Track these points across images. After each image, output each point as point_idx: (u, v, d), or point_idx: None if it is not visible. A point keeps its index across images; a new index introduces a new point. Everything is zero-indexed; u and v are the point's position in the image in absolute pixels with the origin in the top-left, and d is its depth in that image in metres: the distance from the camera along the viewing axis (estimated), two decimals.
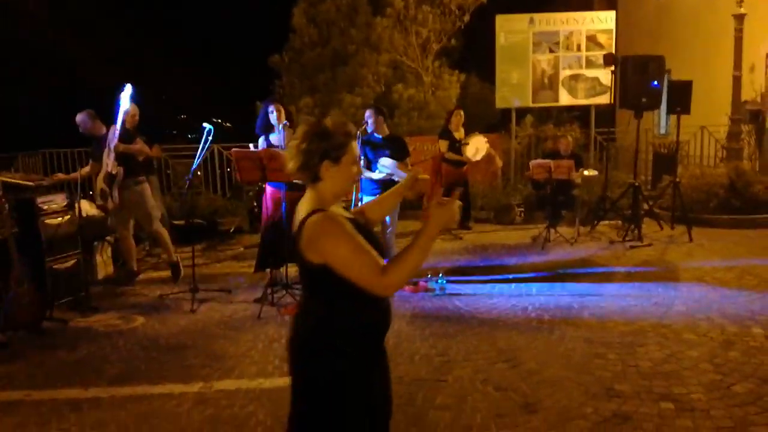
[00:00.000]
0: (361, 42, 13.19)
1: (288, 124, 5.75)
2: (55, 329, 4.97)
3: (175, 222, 8.18)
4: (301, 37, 13.73)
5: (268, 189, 5.82)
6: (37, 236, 5.33)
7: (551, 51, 10.69)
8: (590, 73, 10.75)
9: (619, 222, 8.45)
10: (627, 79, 7.73)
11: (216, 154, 10.65)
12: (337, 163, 2.08)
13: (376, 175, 5.68)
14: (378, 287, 1.98)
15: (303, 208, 2.08)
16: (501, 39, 10.66)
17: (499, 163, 9.23)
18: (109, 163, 5.75)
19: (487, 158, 8.30)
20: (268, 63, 14.24)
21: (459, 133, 8.48)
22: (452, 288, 5.83)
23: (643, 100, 7.66)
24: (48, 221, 5.46)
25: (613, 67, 8.13)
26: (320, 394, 2.06)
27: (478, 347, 4.39)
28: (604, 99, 10.73)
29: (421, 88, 12.52)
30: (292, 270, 5.91)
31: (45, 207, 5.48)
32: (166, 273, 6.58)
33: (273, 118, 5.66)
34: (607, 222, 8.45)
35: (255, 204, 8.83)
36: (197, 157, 5.66)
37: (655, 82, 7.60)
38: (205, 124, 5.69)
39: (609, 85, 10.57)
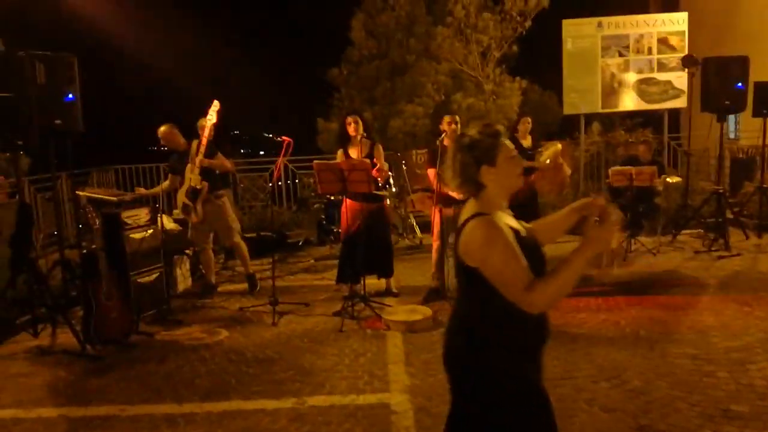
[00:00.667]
0: (419, 52, 13.16)
1: (365, 135, 5.70)
2: (142, 342, 5.02)
3: (246, 235, 8.23)
4: (359, 49, 13.80)
5: (347, 201, 5.77)
6: (122, 250, 5.43)
7: (621, 55, 10.36)
8: (662, 76, 10.35)
9: (701, 231, 8.08)
10: (709, 81, 7.40)
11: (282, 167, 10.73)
12: (494, 165, 2.06)
13: (453, 191, 5.52)
14: (523, 303, 1.93)
15: (467, 210, 2.09)
16: (568, 44, 10.39)
17: (568, 171, 8.94)
18: (193, 177, 5.82)
19: (555, 167, 8.05)
20: (327, 77, 14.39)
21: (527, 141, 8.23)
22: None
23: (726, 102, 7.31)
24: (132, 236, 5.56)
25: (694, 69, 7.79)
26: (480, 392, 2.07)
27: (576, 364, 4.20)
28: (680, 102, 10.31)
29: (481, 97, 12.35)
30: (370, 283, 5.86)
31: (129, 222, 5.58)
32: (243, 286, 6.61)
33: (350, 129, 5.61)
34: (688, 231, 8.08)
35: (323, 216, 8.83)
36: (276, 169, 5.66)
37: (740, 84, 7.25)
38: (284, 138, 5.70)
39: (682, 88, 10.23)
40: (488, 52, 12.59)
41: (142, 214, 5.74)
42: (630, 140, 10.53)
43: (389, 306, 5.57)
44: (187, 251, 6.68)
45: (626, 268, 6.75)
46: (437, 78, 12.44)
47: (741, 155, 10.43)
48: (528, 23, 12.25)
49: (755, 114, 7.49)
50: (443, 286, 5.85)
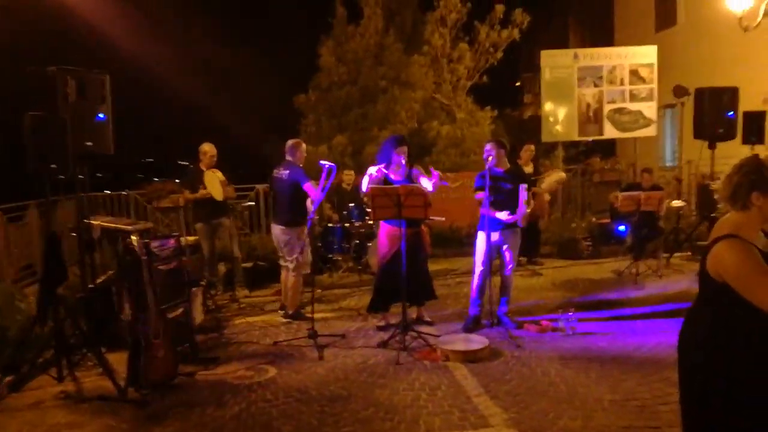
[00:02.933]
0: (391, 79, 13.18)
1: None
2: (185, 384, 4.58)
3: (243, 265, 7.84)
4: (329, 75, 13.66)
5: (385, 226, 5.58)
6: (155, 284, 4.98)
7: (596, 85, 10.78)
8: (633, 106, 10.82)
9: (690, 254, 8.44)
10: (703, 110, 7.79)
11: (262, 193, 10.36)
12: (766, 195, 2.24)
13: (502, 215, 5.46)
14: None
15: (722, 228, 2.29)
16: (546, 74, 10.71)
17: (547, 197, 9.14)
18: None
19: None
20: (294, 103, 14.13)
21: (529, 168, 8.40)
22: (578, 327, 5.61)
23: (720, 130, 7.72)
24: (160, 267, 5.12)
25: (684, 99, 8.19)
26: (716, 398, 2.27)
27: (663, 390, 4.17)
28: (650, 131, 10.83)
29: (455, 125, 12.48)
30: (395, 312, 5.67)
31: (158, 252, 5.15)
32: (261, 318, 6.28)
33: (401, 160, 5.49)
34: (678, 254, 8.39)
35: (320, 244, 8.55)
36: (320, 194, 5.44)
37: (731, 113, 7.67)
38: (325, 162, 5.47)
39: (652, 117, 10.77)
40: (459, 82, 12.79)
41: (170, 244, 5.32)
42: (605, 167, 10.92)
43: (435, 335, 5.38)
44: (202, 282, 6.26)
45: (639, 290, 6.89)
46: (411, 105, 12.46)
47: (707, 181, 11.01)
48: (499, 54, 12.56)
49: (744, 141, 7.95)
50: (482, 313, 5.76)
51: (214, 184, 7.09)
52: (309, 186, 5.85)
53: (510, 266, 5.71)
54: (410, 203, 4.93)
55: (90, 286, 5.13)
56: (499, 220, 5.50)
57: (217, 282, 7.43)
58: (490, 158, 5.51)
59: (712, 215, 7.96)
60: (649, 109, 10.77)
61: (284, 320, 6.22)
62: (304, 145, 6.38)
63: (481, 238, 5.67)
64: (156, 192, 9.68)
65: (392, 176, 5.50)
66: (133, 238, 4.47)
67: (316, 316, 6.27)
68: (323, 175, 5.43)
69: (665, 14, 17.41)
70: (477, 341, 5.08)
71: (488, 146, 5.65)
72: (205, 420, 4.00)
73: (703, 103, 7.75)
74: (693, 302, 2.47)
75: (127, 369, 4.31)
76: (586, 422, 3.74)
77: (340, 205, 8.50)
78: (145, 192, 9.99)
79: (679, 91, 8.26)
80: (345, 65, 13.56)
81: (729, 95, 7.70)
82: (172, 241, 5.37)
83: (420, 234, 5.76)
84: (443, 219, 8.14)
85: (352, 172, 9.17)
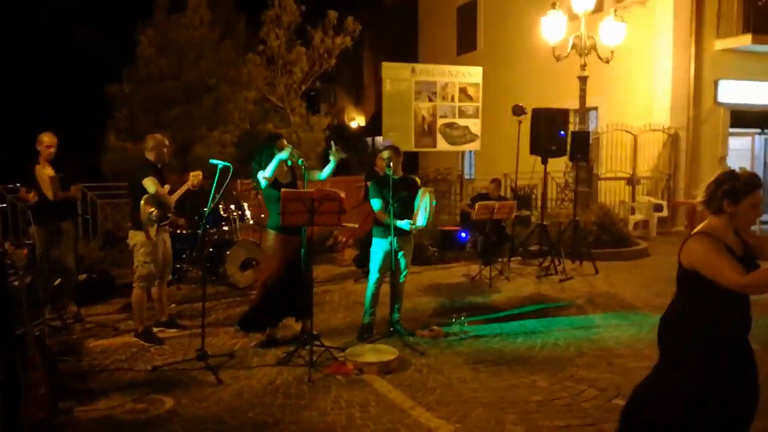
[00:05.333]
0: (220, 76, 12.43)
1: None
2: (69, 424, 3.74)
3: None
4: (147, 66, 12.43)
5: (275, 235, 5.15)
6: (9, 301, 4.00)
7: (430, 100, 11.33)
8: (462, 122, 11.60)
9: (520, 258, 9.27)
10: (539, 128, 8.59)
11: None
12: (736, 204, 2.67)
13: (403, 224, 5.39)
14: (737, 286, 2.52)
15: (697, 228, 2.76)
16: (387, 85, 10.97)
17: None
18: None
19: None
20: (105, 93, 12.60)
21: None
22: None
23: (553, 147, 8.58)
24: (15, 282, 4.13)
25: (521, 117, 8.95)
26: (688, 371, 2.70)
27: (576, 387, 4.43)
28: (475, 146, 11.71)
29: (291, 129, 12.18)
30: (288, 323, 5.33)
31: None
32: (119, 340, 5.43)
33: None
34: (513, 258, 9.15)
35: None
36: (211, 199, 4.83)
37: (562, 132, 8.59)
38: (216, 161, 4.90)
39: (477, 133, 11.66)
40: (293, 85, 12.52)
41: (21, 253, 4.33)
42: (438, 177, 11.52)
43: (338, 348, 5.12)
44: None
45: (496, 293, 7.35)
46: (245, 106, 11.87)
47: (520, 192, 12.22)
48: (333, 61, 12.57)
49: (571, 158, 8.92)
50: (374, 321, 5.65)
51: (44, 181, 6.04)
52: (149, 180, 5.29)
53: (404, 273, 5.68)
54: (324, 209, 4.63)
55: None
56: (392, 228, 5.40)
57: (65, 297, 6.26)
58: (391, 164, 5.43)
59: (544, 224, 8.84)
60: (475, 125, 11.65)
61: (145, 342, 5.43)
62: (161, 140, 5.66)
63: (377, 245, 5.55)
64: None
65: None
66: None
67: (180, 334, 5.67)
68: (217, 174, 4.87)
69: (466, 39, 19.09)
70: (386, 351, 4.94)
71: (386, 152, 5.57)
72: None
73: (539, 122, 8.56)
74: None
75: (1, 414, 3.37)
76: (528, 425, 3.83)
77: (192, 210, 7.71)
78: None
79: (518, 110, 9.02)
80: (167, 57, 12.47)
81: (561, 116, 8.62)
82: (24, 251, 4.40)
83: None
84: (356, 225, 7.88)
85: (200, 173, 8.41)
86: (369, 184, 5.83)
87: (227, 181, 4.87)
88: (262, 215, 8.11)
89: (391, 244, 5.33)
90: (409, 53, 19.75)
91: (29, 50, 19.90)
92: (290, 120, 12.35)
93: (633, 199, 12.80)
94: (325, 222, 4.79)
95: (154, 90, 12.39)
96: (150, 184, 5.28)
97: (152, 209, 5.27)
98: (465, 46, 19.13)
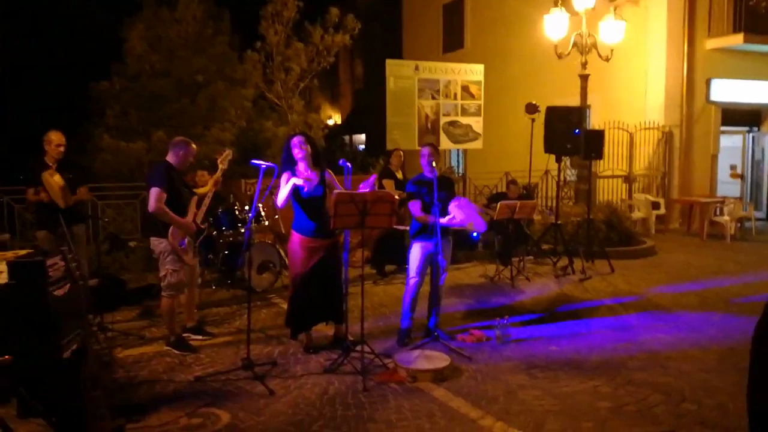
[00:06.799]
0: (214, 73, 12.09)
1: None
2: None
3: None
4: (139, 62, 12.03)
5: (298, 236, 4.93)
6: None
7: (433, 98, 11.18)
8: (464, 120, 11.49)
9: (532, 258, 9.19)
10: (552, 126, 8.51)
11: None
12: None
13: (446, 221, 5.24)
14: None
15: None
16: (390, 83, 10.78)
17: None
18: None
19: None
20: (92, 90, 12.16)
21: (399, 174, 8.34)
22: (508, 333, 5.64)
23: (569, 146, 8.52)
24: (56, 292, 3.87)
25: (534, 115, 8.87)
26: None
27: (639, 392, 4.33)
28: (478, 144, 11.60)
29: (290, 126, 11.91)
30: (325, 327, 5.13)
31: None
32: (150, 348, 5.16)
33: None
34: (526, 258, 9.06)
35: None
36: (256, 199, 4.60)
37: (577, 130, 8.52)
38: (260, 162, 4.66)
39: (479, 132, 11.57)
40: (291, 83, 12.25)
41: (59, 262, 4.05)
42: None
43: (383, 354, 4.93)
44: None
45: (520, 293, 7.25)
46: (243, 103, 11.56)
47: (523, 191, 12.15)
48: (331, 59, 12.34)
49: (585, 156, 8.88)
50: (413, 325, 5.48)
51: (53, 189, 5.78)
52: (155, 191, 4.94)
53: (444, 276, 5.52)
54: (376, 211, 4.44)
55: None
56: (438, 229, 5.24)
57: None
58: (433, 163, 5.27)
59: (557, 223, 8.78)
60: (477, 123, 11.54)
61: (179, 351, 5.16)
62: (192, 146, 5.37)
63: (416, 248, 5.39)
64: None
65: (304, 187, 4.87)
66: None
67: (221, 341, 5.43)
68: (260, 176, 4.63)
69: (452, 38, 19.02)
70: (438, 358, 4.77)
71: (426, 150, 5.39)
72: None
73: (552, 120, 8.48)
74: None
75: None
76: None
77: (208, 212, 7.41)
78: None
79: (531, 108, 8.93)
80: (158, 53, 12.08)
81: (576, 114, 8.55)
82: (59, 257, 4.11)
83: (337, 245, 5.22)
84: (407, 228, 7.69)
85: (206, 173, 8.12)
86: (408, 183, 5.63)
87: (272, 182, 4.63)
88: (276, 216, 7.89)
89: (436, 246, 5.16)
90: (391, 51, 19.50)
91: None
92: (288, 118, 12.07)
93: (630, 197, 12.88)
94: (377, 224, 4.60)
95: (146, 87, 12.01)
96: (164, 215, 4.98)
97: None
98: (451, 45, 19.05)
